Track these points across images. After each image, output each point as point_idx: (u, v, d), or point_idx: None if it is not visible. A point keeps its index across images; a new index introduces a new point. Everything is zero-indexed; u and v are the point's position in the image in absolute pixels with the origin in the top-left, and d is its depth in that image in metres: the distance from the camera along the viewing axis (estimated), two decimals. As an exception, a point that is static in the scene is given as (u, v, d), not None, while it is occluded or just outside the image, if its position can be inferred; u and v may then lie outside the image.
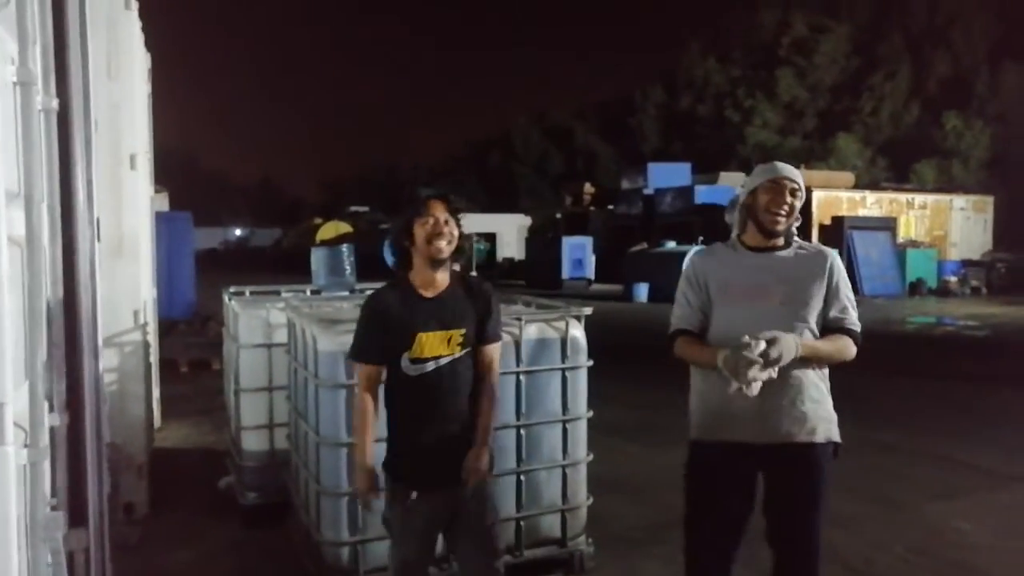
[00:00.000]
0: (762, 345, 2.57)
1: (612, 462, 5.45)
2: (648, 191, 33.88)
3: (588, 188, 41.03)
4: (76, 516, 2.55)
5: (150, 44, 6.12)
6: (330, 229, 29.96)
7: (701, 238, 21.59)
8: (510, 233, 41.13)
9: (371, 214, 48.20)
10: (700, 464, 2.90)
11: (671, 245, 23.85)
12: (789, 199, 2.82)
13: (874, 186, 31.72)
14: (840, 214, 25.84)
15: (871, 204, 27.62)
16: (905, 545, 4.48)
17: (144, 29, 5.62)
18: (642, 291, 21.98)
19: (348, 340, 3.51)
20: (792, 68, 44.76)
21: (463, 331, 2.73)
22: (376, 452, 2.77)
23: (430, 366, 2.68)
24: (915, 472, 5.98)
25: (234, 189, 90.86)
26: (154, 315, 6.52)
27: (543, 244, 30.60)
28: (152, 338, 6.02)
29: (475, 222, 27.22)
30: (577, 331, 4.03)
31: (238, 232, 73.70)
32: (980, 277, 25.57)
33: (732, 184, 29.91)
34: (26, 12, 2.11)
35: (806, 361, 2.71)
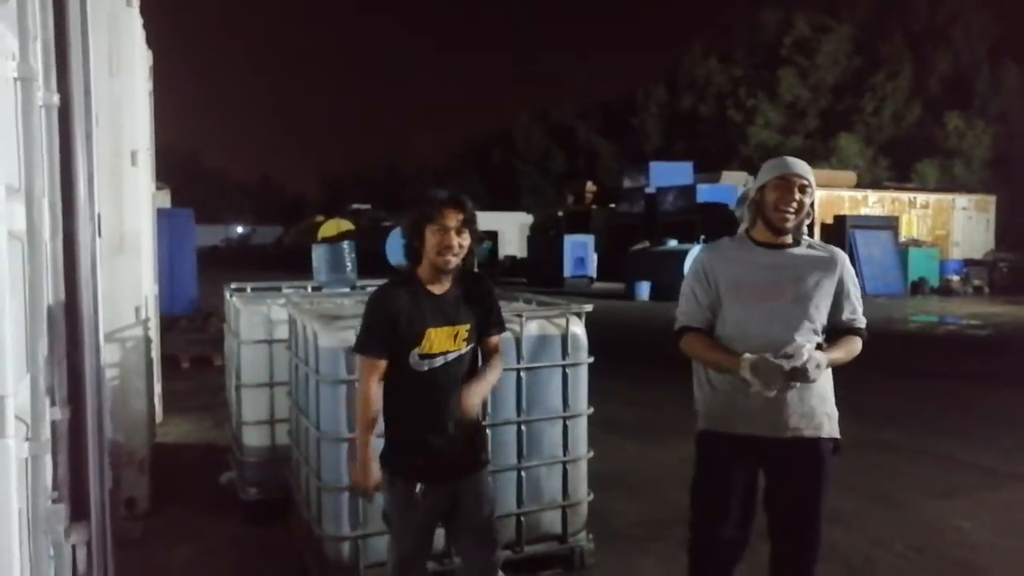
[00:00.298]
0: (796, 363, 2.57)
1: (612, 459, 5.46)
2: (650, 190, 33.88)
3: (590, 186, 41.02)
4: (77, 510, 2.56)
5: (151, 41, 6.13)
6: (331, 227, 29.97)
7: (703, 237, 21.59)
8: (512, 231, 41.14)
9: (372, 212, 48.20)
10: (708, 455, 2.91)
11: (673, 244, 23.85)
12: (798, 196, 2.78)
13: (876, 185, 31.70)
14: (842, 213, 25.82)
15: (873, 203, 27.61)
16: (905, 543, 4.48)
17: (145, 26, 5.63)
18: (644, 289, 21.99)
19: (349, 336, 3.54)
20: (794, 68, 44.73)
21: (468, 326, 2.75)
22: (374, 446, 2.78)
23: (438, 362, 2.71)
24: (916, 470, 5.98)
25: (235, 187, 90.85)
26: (156, 311, 6.53)
27: (545, 242, 30.59)
28: (154, 334, 6.03)
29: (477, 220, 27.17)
30: (578, 328, 4.04)
31: (239, 230, 73.71)
32: (982, 276, 25.55)
33: (734, 183, 29.90)
34: (27, 8, 2.12)
35: None
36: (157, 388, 6.74)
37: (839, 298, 2.85)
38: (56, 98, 2.40)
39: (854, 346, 2.82)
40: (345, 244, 6.09)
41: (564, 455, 4.01)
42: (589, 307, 4.10)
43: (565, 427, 4.01)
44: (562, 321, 4.01)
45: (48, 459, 2.22)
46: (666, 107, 52.17)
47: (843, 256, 2.93)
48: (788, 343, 2.66)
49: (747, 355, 2.65)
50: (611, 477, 5.10)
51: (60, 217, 2.47)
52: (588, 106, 63.47)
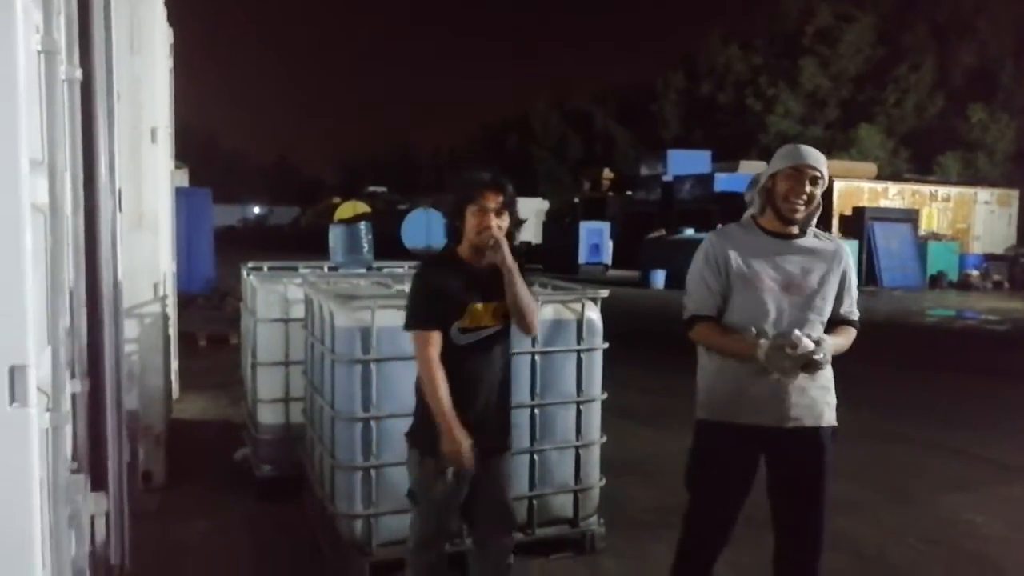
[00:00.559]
0: (810, 345, 2.59)
1: (626, 445, 5.46)
2: (667, 178, 33.68)
3: (607, 173, 40.81)
4: (96, 481, 2.60)
5: (172, 19, 6.14)
6: (348, 209, 29.95)
7: (720, 226, 21.44)
8: (527, 217, 41.01)
9: (388, 195, 48.22)
10: (709, 445, 2.91)
11: (689, 232, 23.72)
12: (809, 188, 2.76)
13: (897, 177, 31.36)
14: (861, 205, 25.59)
15: (893, 195, 27.34)
16: (917, 535, 4.47)
17: (166, 4, 5.63)
18: (659, 277, 21.93)
19: (365, 316, 3.56)
20: (815, 57, 44.19)
21: (505, 303, 2.81)
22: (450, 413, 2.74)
23: (477, 336, 2.77)
24: (930, 463, 5.95)
25: (253, 168, 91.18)
26: (173, 289, 6.58)
27: (561, 229, 30.52)
28: (171, 311, 6.09)
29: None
30: (593, 313, 4.03)
31: (256, 210, 74.01)
32: (1002, 271, 25.26)
33: (752, 172, 29.64)
34: (51, -19, 2.13)
35: None
36: (174, 365, 6.80)
37: (840, 291, 2.88)
38: (79, 73, 2.41)
39: (850, 335, 2.87)
40: (362, 225, 6.10)
41: (577, 440, 4.01)
42: (605, 292, 4.09)
43: (579, 412, 4.01)
44: (578, 306, 4.00)
45: (68, 430, 2.24)
46: (685, 94, 51.75)
47: (846, 248, 2.95)
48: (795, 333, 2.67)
49: (763, 341, 2.66)
50: (625, 463, 5.11)
51: (82, 191, 2.49)
52: (606, 92, 63.10)
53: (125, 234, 4.44)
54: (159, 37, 5.26)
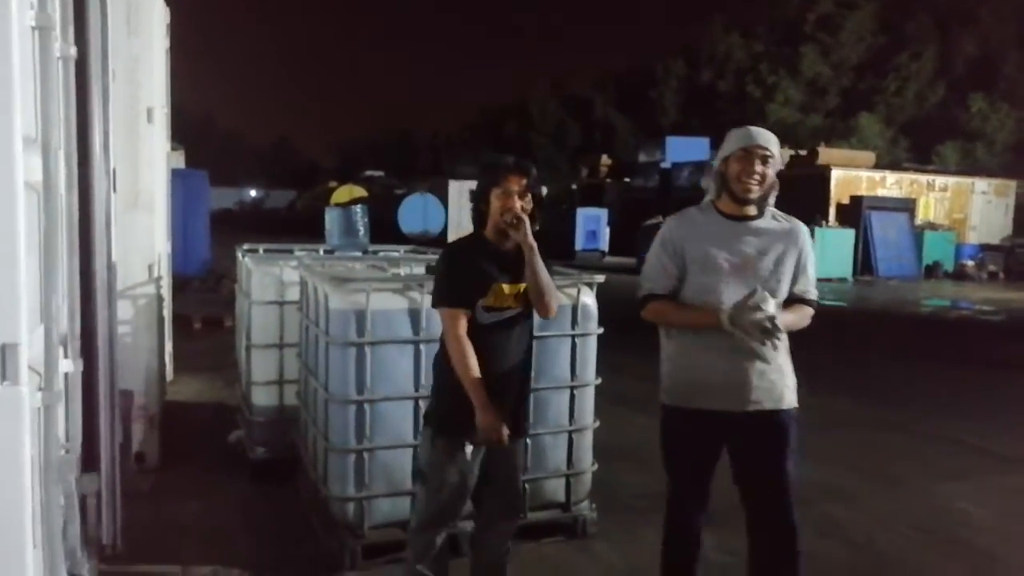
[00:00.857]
0: (772, 307, 2.64)
1: (619, 431, 5.47)
2: (665, 165, 33.60)
3: (605, 160, 40.71)
4: (88, 461, 2.60)
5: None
6: (344, 193, 29.98)
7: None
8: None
9: (385, 179, 48.06)
10: (672, 429, 3.01)
11: (686, 219, 23.66)
12: (760, 168, 2.81)
13: (895, 166, 31.31)
14: (859, 194, 25.56)
15: (891, 184, 27.28)
16: (908, 523, 4.49)
17: (164, -18, 5.59)
18: (655, 265, 21.85)
19: (360, 299, 3.55)
20: (817, 45, 43.97)
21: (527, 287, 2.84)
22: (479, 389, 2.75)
23: (503, 315, 2.80)
24: (923, 452, 5.98)
25: (249, 151, 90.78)
26: (168, 270, 6.56)
27: (558, 215, 30.47)
28: (166, 292, 6.07)
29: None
30: (588, 298, 4.03)
31: (253, 193, 73.74)
32: (998, 262, 25.27)
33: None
34: (45, -44, 2.10)
35: None
36: (168, 347, 6.79)
37: (797, 271, 2.91)
38: (73, 50, 2.39)
39: (806, 313, 2.92)
40: (358, 208, 6.09)
41: (570, 425, 4.03)
42: (601, 278, 4.09)
43: (572, 397, 4.02)
44: (573, 291, 4.00)
45: (60, 410, 2.24)
46: (685, 81, 51.53)
47: (804, 228, 2.98)
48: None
49: (724, 307, 2.72)
50: (619, 449, 5.12)
51: (76, 170, 2.48)
52: (605, 79, 62.82)
53: (120, 214, 4.43)
54: (156, 17, 5.23)
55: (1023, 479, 5.46)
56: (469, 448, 2.76)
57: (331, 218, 6.11)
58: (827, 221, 23.83)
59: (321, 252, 5.86)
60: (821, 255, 21.99)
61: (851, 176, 26.45)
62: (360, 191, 29.44)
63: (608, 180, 38.68)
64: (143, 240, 4.84)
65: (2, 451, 1.83)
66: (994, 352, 11.20)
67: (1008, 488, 5.24)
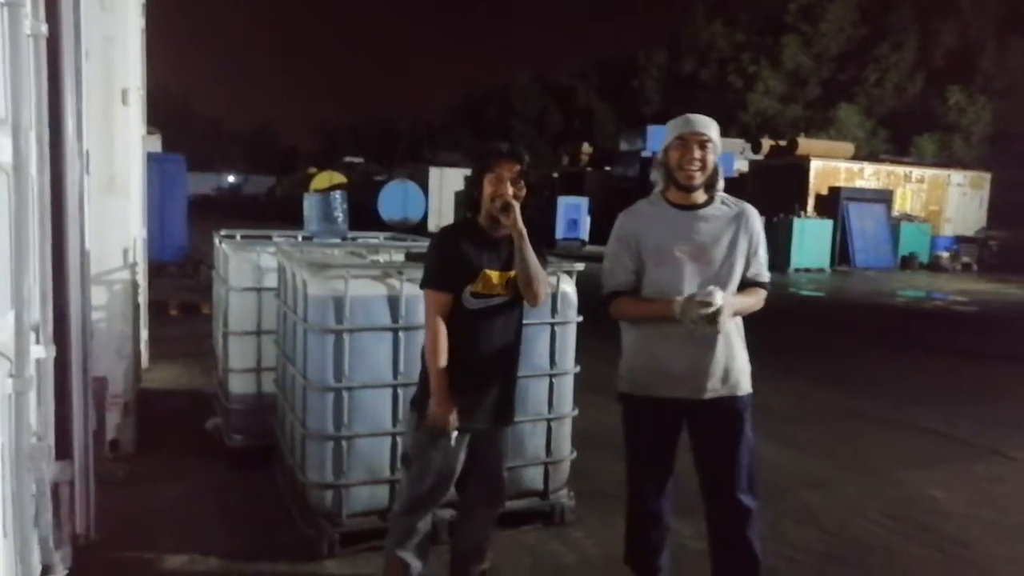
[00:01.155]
0: (720, 299, 2.68)
1: (597, 419, 5.47)
2: (646, 154, 33.59)
3: (586, 148, 40.67)
4: (61, 449, 2.57)
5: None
6: (324, 179, 29.70)
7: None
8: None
9: (365, 165, 47.76)
10: (632, 416, 3.07)
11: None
12: (699, 153, 2.86)
13: (873, 158, 31.56)
14: (837, 185, 25.77)
15: (869, 176, 27.51)
16: (879, 510, 4.55)
17: (139, -39, 5.49)
18: (635, 254, 21.93)
19: (339, 285, 3.53)
20: (798, 35, 44.16)
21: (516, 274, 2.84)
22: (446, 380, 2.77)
23: (491, 302, 2.80)
24: (895, 441, 6.06)
25: (228, 136, 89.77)
26: (144, 256, 6.49)
27: (538, 202, 30.43)
28: (141, 278, 6.00)
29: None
30: (568, 287, 4.03)
31: (231, 179, 73.04)
32: (972, 253, 25.64)
33: (732, 150, 29.68)
34: (14, -68, 2.05)
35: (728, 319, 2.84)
36: (144, 333, 6.72)
37: (749, 254, 2.95)
38: (44, 28, 2.34)
39: (759, 297, 2.96)
40: (337, 195, 6.05)
41: (549, 413, 4.03)
42: (581, 266, 4.09)
43: (551, 385, 4.02)
44: (553, 279, 4.00)
45: (32, 396, 2.21)
46: (666, 70, 51.60)
47: (753, 211, 3.02)
48: None
49: (677, 298, 2.77)
50: (597, 437, 5.13)
51: (47, 150, 2.43)
52: (587, 66, 62.73)
53: (94, 198, 4.36)
54: (131, -4, 5.12)
55: (988, 466, 5.54)
56: (454, 434, 2.76)
57: (310, 204, 6.07)
58: (806, 212, 24.01)
59: (299, 238, 5.82)
60: (800, 245, 22.21)
61: (830, 167, 26.64)
62: (340, 177, 29.17)
63: (589, 168, 38.66)
64: (118, 225, 4.76)
65: (-29, 438, 1.80)
66: (965, 342, 11.37)
67: (975, 475, 5.33)
